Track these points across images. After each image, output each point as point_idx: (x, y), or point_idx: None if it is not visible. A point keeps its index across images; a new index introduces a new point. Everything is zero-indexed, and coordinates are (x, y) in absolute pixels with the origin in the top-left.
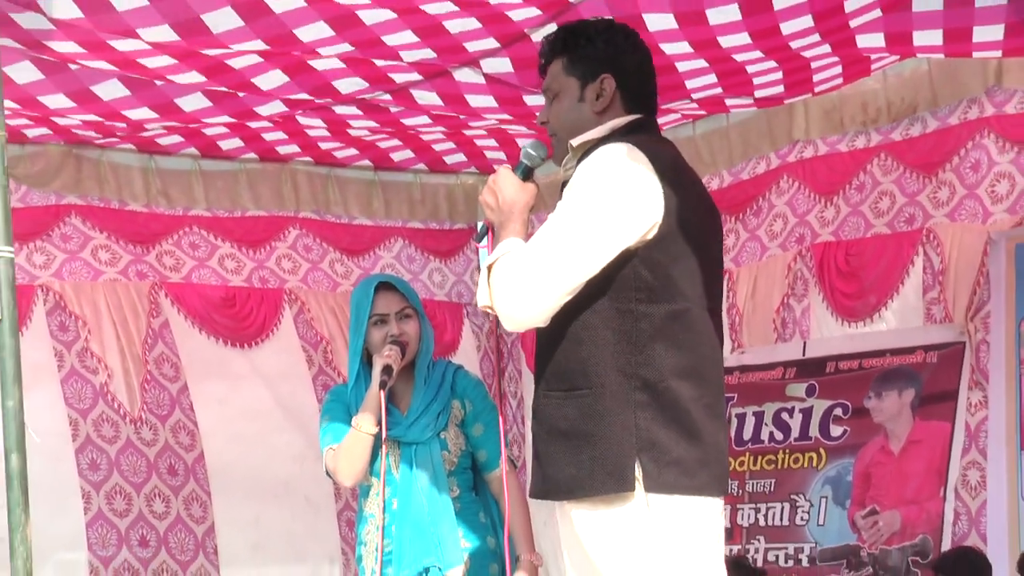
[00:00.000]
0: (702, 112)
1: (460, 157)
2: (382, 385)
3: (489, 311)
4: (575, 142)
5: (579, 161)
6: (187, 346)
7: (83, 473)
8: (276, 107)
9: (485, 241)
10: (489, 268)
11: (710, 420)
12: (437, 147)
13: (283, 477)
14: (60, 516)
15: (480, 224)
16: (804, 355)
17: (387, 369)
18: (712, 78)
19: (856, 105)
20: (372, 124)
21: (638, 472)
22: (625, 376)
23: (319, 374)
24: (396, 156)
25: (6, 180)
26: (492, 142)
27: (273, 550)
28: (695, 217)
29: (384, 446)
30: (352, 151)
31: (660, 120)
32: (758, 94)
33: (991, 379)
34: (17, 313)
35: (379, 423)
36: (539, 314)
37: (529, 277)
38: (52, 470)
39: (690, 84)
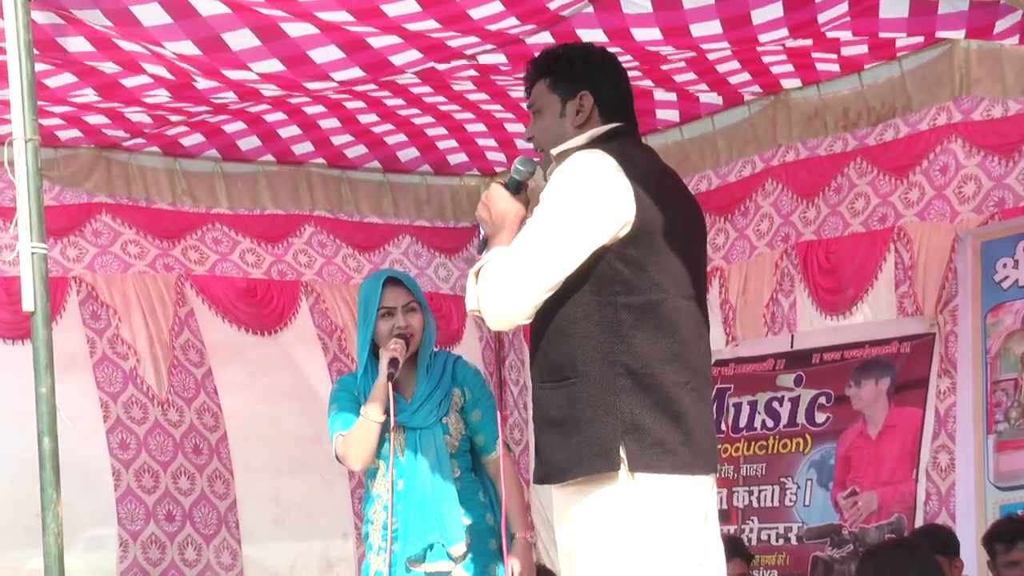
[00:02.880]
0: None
1: (463, 158)
2: (389, 377)
3: (476, 314)
4: (555, 151)
5: None
6: (211, 334)
7: (113, 452)
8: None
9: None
10: (476, 273)
11: (693, 402)
12: (441, 144)
13: (300, 456)
14: (92, 493)
15: (480, 237)
16: (792, 347)
17: (393, 362)
18: (692, 75)
19: (838, 110)
20: (377, 115)
21: (623, 453)
22: (609, 364)
23: (333, 360)
24: (403, 156)
25: (40, 182)
26: (492, 142)
27: (291, 525)
28: (669, 214)
29: (391, 431)
30: (362, 149)
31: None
32: (734, 82)
33: (959, 368)
34: (49, 305)
35: (386, 412)
36: (520, 312)
37: (509, 279)
38: (84, 450)
39: (678, 79)
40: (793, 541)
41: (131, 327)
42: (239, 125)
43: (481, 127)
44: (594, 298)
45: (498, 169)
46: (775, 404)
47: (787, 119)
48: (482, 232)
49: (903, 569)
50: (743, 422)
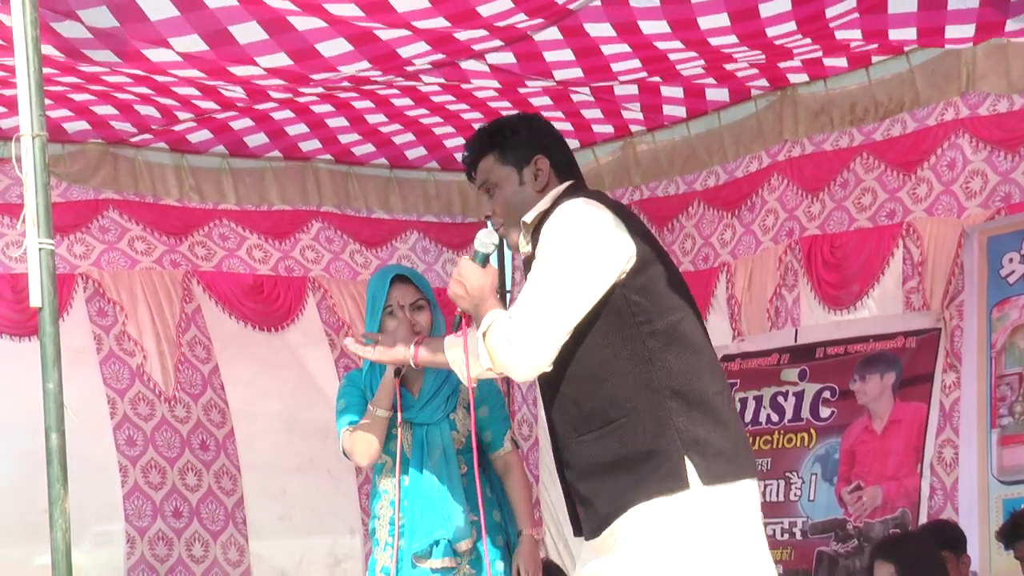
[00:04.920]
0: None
1: None
2: (396, 373)
3: (491, 372)
4: (527, 219)
5: (534, 233)
6: (218, 330)
7: (120, 448)
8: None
9: (461, 331)
10: (483, 335)
11: (729, 409)
12: (448, 143)
13: (307, 453)
14: (99, 489)
15: (456, 316)
16: (796, 341)
17: None
18: (700, 68)
19: (844, 105)
20: (384, 115)
21: (691, 469)
22: (653, 392)
23: (341, 356)
24: (410, 154)
25: (47, 178)
26: None
27: (298, 521)
28: (650, 240)
29: (398, 427)
30: (369, 147)
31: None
32: (740, 76)
33: (964, 362)
34: (57, 302)
35: (393, 407)
36: (545, 359)
37: (527, 330)
38: (91, 446)
39: (684, 74)
40: (798, 536)
41: (138, 323)
42: (247, 122)
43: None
44: (618, 335)
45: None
46: (780, 399)
47: (793, 114)
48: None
49: (914, 560)
50: (748, 417)
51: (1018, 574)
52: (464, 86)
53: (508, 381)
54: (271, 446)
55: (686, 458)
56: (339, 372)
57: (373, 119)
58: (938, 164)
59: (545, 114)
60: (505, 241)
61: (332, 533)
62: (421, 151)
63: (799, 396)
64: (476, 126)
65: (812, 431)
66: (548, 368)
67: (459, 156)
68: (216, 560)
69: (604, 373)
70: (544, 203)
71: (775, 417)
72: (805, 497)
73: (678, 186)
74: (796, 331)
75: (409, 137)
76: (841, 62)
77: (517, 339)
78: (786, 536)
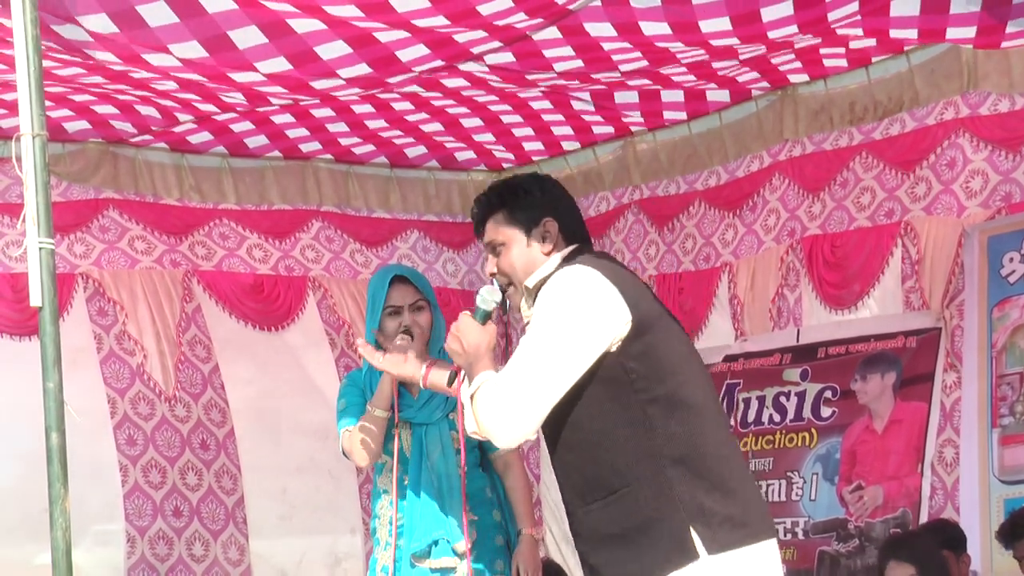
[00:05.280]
0: (691, 78)
1: (470, 155)
2: None
3: (477, 436)
4: (529, 283)
5: (535, 294)
6: (218, 329)
7: (121, 448)
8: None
9: (455, 385)
10: (471, 398)
11: (737, 468)
12: (449, 145)
13: (308, 452)
14: (99, 489)
15: (450, 372)
16: (798, 341)
17: None
18: (702, 62)
19: (844, 104)
20: (384, 121)
21: (697, 540)
22: (653, 460)
23: (341, 356)
24: (411, 153)
25: (47, 177)
26: (500, 146)
27: (299, 520)
28: (649, 303)
29: (396, 427)
30: (369, 147)
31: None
32: (742, 80)
33: (964, 362)
34: (57, 301)
35: (391, 408)
36: (528, 429)
37: (512, 397)
38: (92, 446)
39: (686, 75)
40: (800, 535)
41: (138, 323)
42: (246, 124)
43: (489, 134)
44: (616, 404)
45: (505, 166)
46: (782, 399)
47: (794, 114)
48: (452, 363)
49: (930, 560)
50: (751, 417)
51: (1018, 574)
52: (465, 92)
53: None
54: (272, 445)
55: (691, 528)
56: (339, 372)
57: (373, 124)
58: (937, 163)
59: (545, 117)
60: (508, 301)
61: (333, 532)
62: (421, 150)
63: (801, 396)
64: (477, 136)
65: (813, 431)
66: (532, 437)
67: (460, 157)
68: (216, 559)
69: (605, 441)
70: (548, 267)
71: (777, 417)
72: (807, 497)
73: (679, 186)
74: (798, 331)
75: (409, 138)
76: (841, 62)
77: (501, 407)
78: (788, 536)
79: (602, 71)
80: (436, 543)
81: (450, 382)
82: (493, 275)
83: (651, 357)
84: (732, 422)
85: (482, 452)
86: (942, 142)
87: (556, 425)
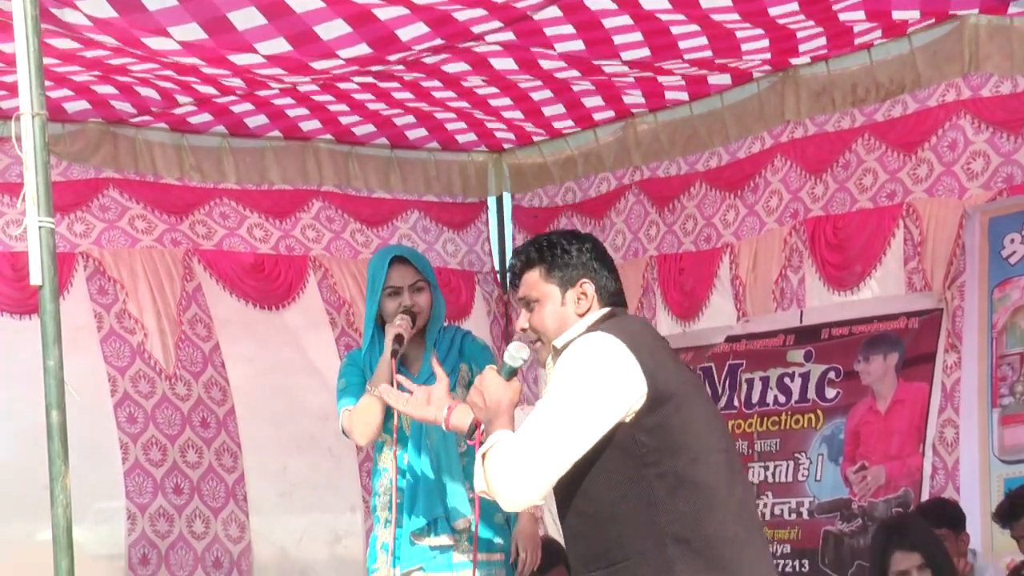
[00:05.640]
0: (693, 69)
1: (471, 136)
2: (393, 353)
3: (485, 495)
4: (558, 343)
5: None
6: (219, 308)
7: (121, 426)
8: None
9: (474, 437)
10: (483, 456)
11: (744, 554)
12: (449, 126)
13: (308, 430)
14: (100, 466)
15: (470, 424)
16: (801, 322)
17: (398, 338)
18: (703, 40)
19: (846, 86)
20: (385, 101)
21: None
22: (657, 537)
23: (341, 335)
24: (411, 135)
25: (47, 156)
26: (501, 125)
27: (299, 498)
28: (677, 376)
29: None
30: (370, 127)
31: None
32: (747, 59)
33: (965, 343)
34: (57, 279)
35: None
36: (534, 496)
37: (521, 462)
38: (92, 424)
39: (683, 45)
40: (805, 515)
41: (138, 302)
42: (247, 106)
43: (490, 116)
44: (625, 476)
45: (506, 147)
46: (786, 380)
47: (795, 95)
48: (472, 419)
49: (922, 526)
50: (756, 398)
51: (1017, 553)
52: (464, 83)
53: None
54: (272, 424)
55: None
56: (340, 350)
57: (374, 106)
58: (939, 145)
59: (545, 98)
60: (536, 357)
61: (333, 510)
62: (422, 132)
63: (805, 377)
64: (478, 114)
65: (819, 412)
66: (539, 503)
67: (461, 139)
68: (217, 536)
69: (608, 512)
70: (577, 329)
71: (782, 398)
72: (812, 477)
73: (680, 167)
74: (801, 312)
75: (410, 119)
76: (843, 43)
77: (510, 472)
78: (793, 516)
79: (603, 58)
80: (436, 521)
81: (469, 434)
82: (524, 330)
83: (664, 431)
84: (735, 403)
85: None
86: (944, 124)
87: (567, 491)
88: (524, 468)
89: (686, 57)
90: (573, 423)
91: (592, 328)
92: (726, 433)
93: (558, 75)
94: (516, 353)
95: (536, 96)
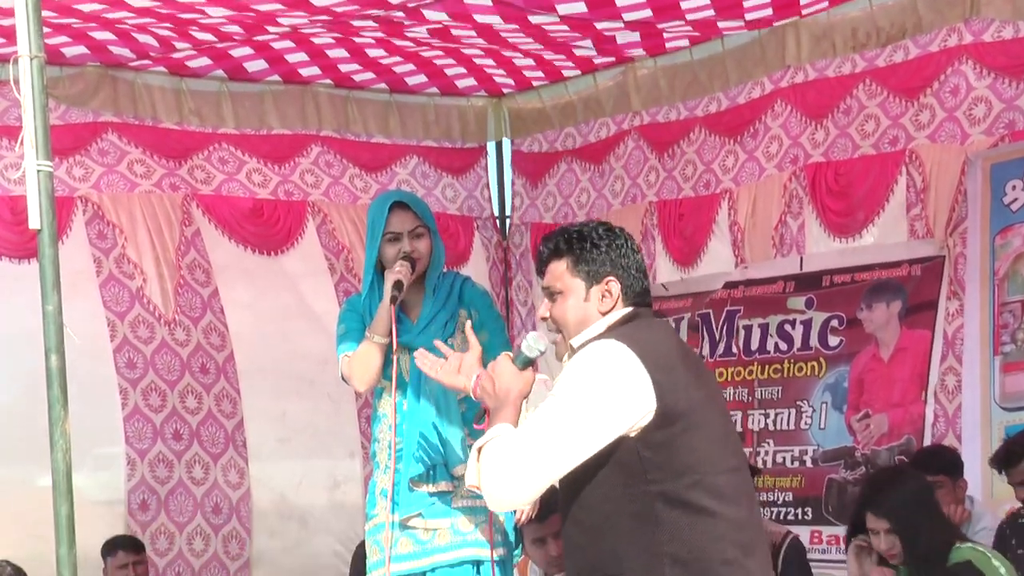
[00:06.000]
0: (696, 33)
1: (471, 81)
2: (392, 300)
3: (476, 489)
4: (575, 342)
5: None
6: (217, 253)
7: (120, 371)
8: (297, 20)
9: (483, 423)
10: (479, 450)
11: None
12: (449, 72)
13: (307, 376)
14: (99, 412)
15: (479, 408)
16: (801, 269)
17: (397, 284)
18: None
19: (846, 31)
20: (385, 48)
21: None
22: (653, 556)
23: (340, 280)
24: (411, 80)
25: (45, 100)
26: (501, 71)
27: (298, 444)
28: (691, 391)
29: (395, 352)
30: (369, 75)
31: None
32: (748, 16)
33: (967, 290)
34: (56, 223)
35: (390, 333)
36: (522, 499)
37: (515, 464)
38: (91, 369)
39: (684, 5)
40: (808, 463)
41: (137, 247)
42: (246, 50)
43: (489, 60)
44: (626, 491)
45: (506, 91)
46: (787, 327)
47: (796, 39)
48: (481, 402)
49: (897, 490)
50: (755, 345)
51: (1016, 500)
52: (454, 31)
53: (508, 306)
54: (271, 369)
55: None
56: (339, 296)
57: (373, 52)
58: (941, 91)
59: (546, 43)
60: (555, 348)
61: (331, 456)
62: (422, 77)
63: (807, 324)
64: (478, 60)
65: (821, 360)
66: (527, 506)
67: (460, 84)
68: (216, 482)
69: (606, 526)
70: (597, 328)
71: (783, 346)
72: (816, 425)
73: (679, 112)
74: (801, 259)
75: (410, 66)
76: None
77: (503, 473)
78: (796, 464)
79: (605, 19)
80: (435, 467)
81: (478, 418)
82: (544, 319)
83: (670, 450)
84: (734, 349)
85: None
86: (945, 69)
87: (569, 500)
88: (516, 472)
89: (688, 18)
90: (572, 433)
91: (611, 329)
92: (737, 450)
93: (557, 36)
94: (534, 343)
95: (537, 39)
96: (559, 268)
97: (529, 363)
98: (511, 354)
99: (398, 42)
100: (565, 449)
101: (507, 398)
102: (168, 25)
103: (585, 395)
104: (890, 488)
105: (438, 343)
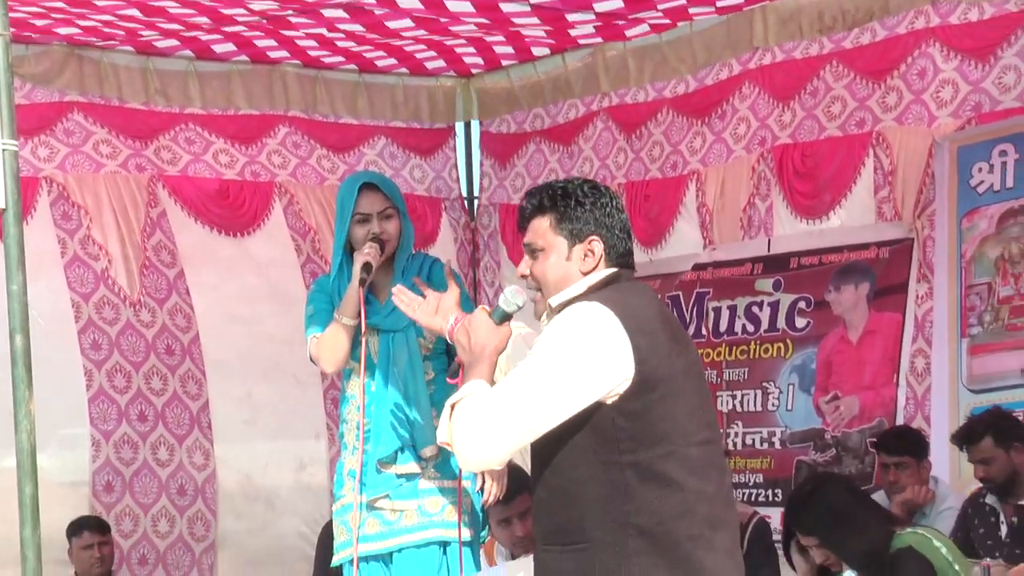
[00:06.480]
0: (667, 21)
1: (440, 63)
2: (361, 282)
3: (448, 447)
4: (554, 302)
5: (555, 314)
6: (183, 234)
7: (85, 352)
8: (266, 4)
9: (457, 377)
10: (452, 406)
11: (711, 554)
12: (419, 54)
13: (273, 357)
14: (64, 393)
15: (454, 363)
16: (769, 251)
17: (366, 266)
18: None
19: (813, 13)
20: (358, 29)
21: None
22: (619, 526)
23: (307, 262)
24: (380, 62)
25: (10, 77)
26: (471, 49)
27: (263, 425)
28: (671, 360)
29: (364, 334)
30: (339, 58)
31: (630, 32)
32: (719, 3)
33: (935, 272)
34: (21, 202)
35: (359, 315)
36: (494, 459)
37: (488, 423)
38: (56, 350)
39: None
40: (777, 445)
41: (102, 228)
42: (214, 36)
43: (458, 39)
44: (597, 457)
45: (474, 71)
46: (755, 309)
47: (763, 21)
48: (456, 357)
49: (816, 507)
50: (723, 326)
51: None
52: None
53: (475, 286)
54: (237, 351)
55: None
56: (305, 277)
57: (345, 26)
58: (908, 73)
59: (516, 21)
60: (534, 306)
61: (297, 437)
62: (391, 59)
63: (774, 306)
64: (448, 41)
65: (788, 341)
66: (497, 467)
67: (429, 65)
68: (182, 464)
69: (575, 492)
70: (578, 288)
71: (751, 327)
72: (783, 407)
73: (647, 93)
74: (769, 240)
75: (380, 50)
76: None
77: (475, 432)
78: (765, 445)
79: (576, 10)
80: (402, 449)
81: (452, 373)
82: (524, 276)
83: (645, 419)
84: (703, 331)
85: (449, 359)
86: (912, 51)
87: (541, 462)
88: (489, 432)
89: (660, 7)
90: (548, 394)
91: (592, 291)
92: (712, 423)
93: (526, 30)
94: (511, 298)
95: (506, 19)
96: (542, 225)
97: (506, 318)
98: (488, 308)
99: (365, 20)
100: (540, 411)
101: (482, 353)
102: (134, 13)
103: (564, 357)
104: (809, 507)
105: (417, 280)
